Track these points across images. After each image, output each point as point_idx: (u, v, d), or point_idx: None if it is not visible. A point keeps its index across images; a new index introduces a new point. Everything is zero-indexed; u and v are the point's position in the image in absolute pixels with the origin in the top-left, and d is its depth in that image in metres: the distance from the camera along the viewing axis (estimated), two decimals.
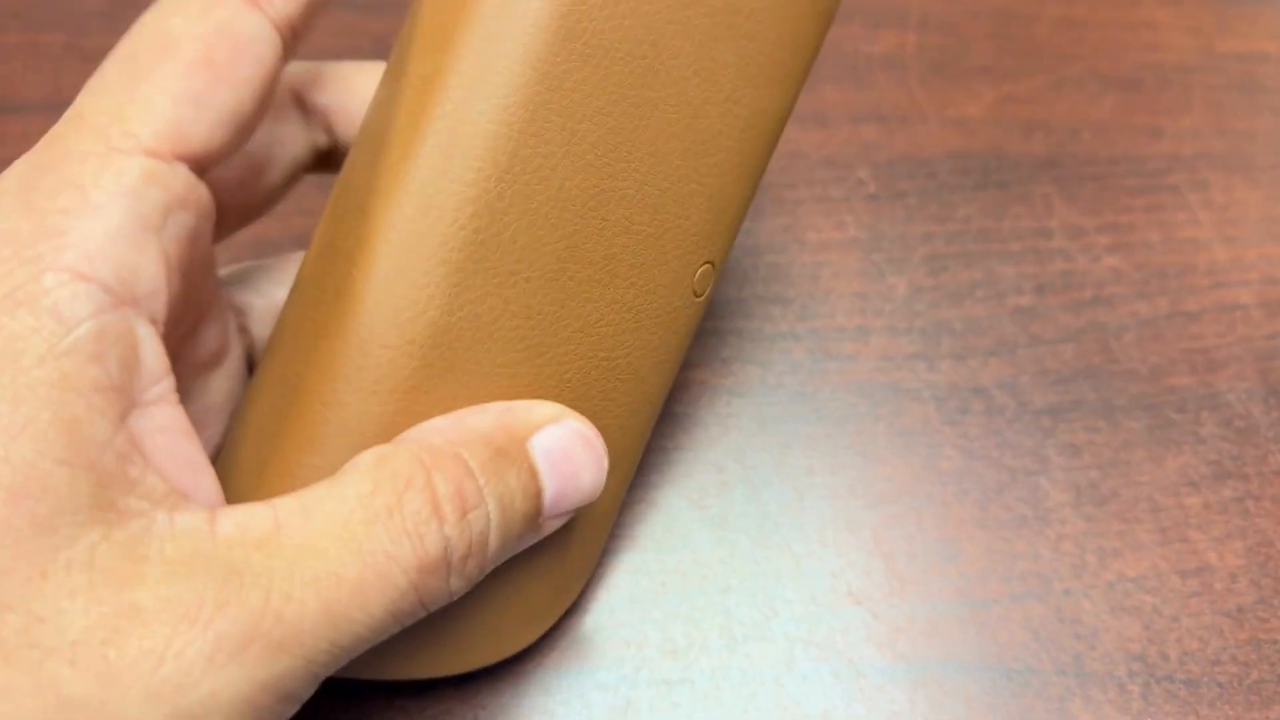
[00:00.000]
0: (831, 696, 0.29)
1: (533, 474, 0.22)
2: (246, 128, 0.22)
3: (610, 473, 0.25)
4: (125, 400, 0.19)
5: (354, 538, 0.19)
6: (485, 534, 0.21)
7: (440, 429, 0.22)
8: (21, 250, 0.18)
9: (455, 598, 0.21)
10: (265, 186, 0.27)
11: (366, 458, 0.21)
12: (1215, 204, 0.40)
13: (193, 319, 0.24)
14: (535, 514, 0.23)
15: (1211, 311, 0.37)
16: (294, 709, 0.19)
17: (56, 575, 0.17)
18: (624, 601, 0.30)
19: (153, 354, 0.20)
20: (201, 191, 0.21)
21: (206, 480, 0.21)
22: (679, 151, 0.24)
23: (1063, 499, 0.33)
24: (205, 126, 0.20)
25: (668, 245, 0.25)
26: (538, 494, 0.22)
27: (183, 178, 0.20)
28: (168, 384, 0.20)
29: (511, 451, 0.22)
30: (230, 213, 0.26)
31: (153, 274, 0.19)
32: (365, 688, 0.28)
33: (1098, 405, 0.35)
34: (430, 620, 0.23)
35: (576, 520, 0.25)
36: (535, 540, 0.24)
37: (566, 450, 0.23)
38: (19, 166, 0.19)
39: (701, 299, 0.26)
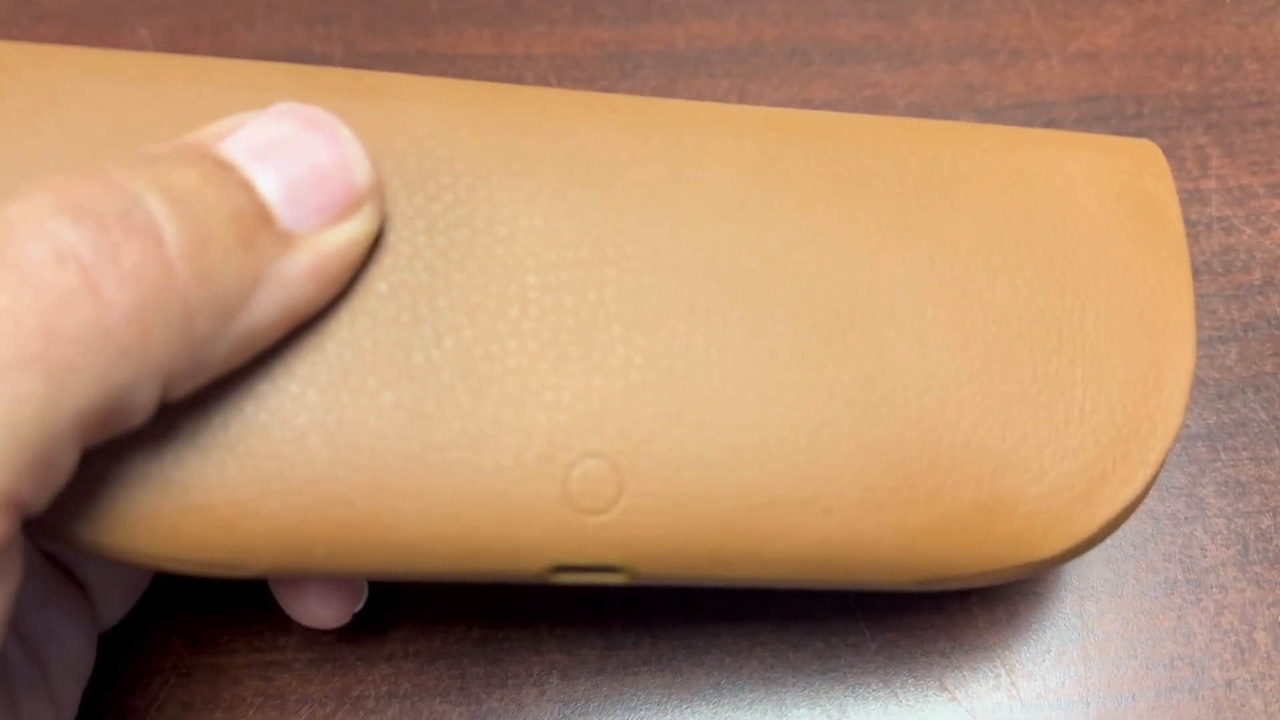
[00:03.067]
0: None
1: (224, 165, 0.17)
2: None
3: None
4: None
5: None
6: (144, 220, 0.16)
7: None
8: None
9: (150, 311, 0.16)
10: None
11: None
12: None
13: None
14: (255, 207, 0.17)
15: None
16: (38, 487, 0.15)
17: None
18: (648, 694, 0.24)
19: None
20: None
21: None
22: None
23: (1224, 556, 0.25)
24: None
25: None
26: (245, 184, 0.17)
27: None
28: None
29: (183, 154, 0.17)
30: None
31: None
32: None
33: (1270, 427, 0.27)
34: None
35: None
36: (323, 255, 0.18)
37: (278, 135, 0.18)
38: None
39: (596, 520, 0.18)
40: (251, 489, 0.18)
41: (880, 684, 0.24)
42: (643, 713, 0.24)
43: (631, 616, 0.25)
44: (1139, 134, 0.31)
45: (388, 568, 0.19)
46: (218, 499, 0.18)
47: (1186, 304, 0.20)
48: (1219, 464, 0.26)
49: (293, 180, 0.17)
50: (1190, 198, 0.30)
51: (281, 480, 0.18)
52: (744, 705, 0.24)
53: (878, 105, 0.32)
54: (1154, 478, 0.20)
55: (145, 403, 0.16)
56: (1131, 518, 0.25)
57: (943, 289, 0.20)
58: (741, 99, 0.32)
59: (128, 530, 0.18)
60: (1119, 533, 0.25)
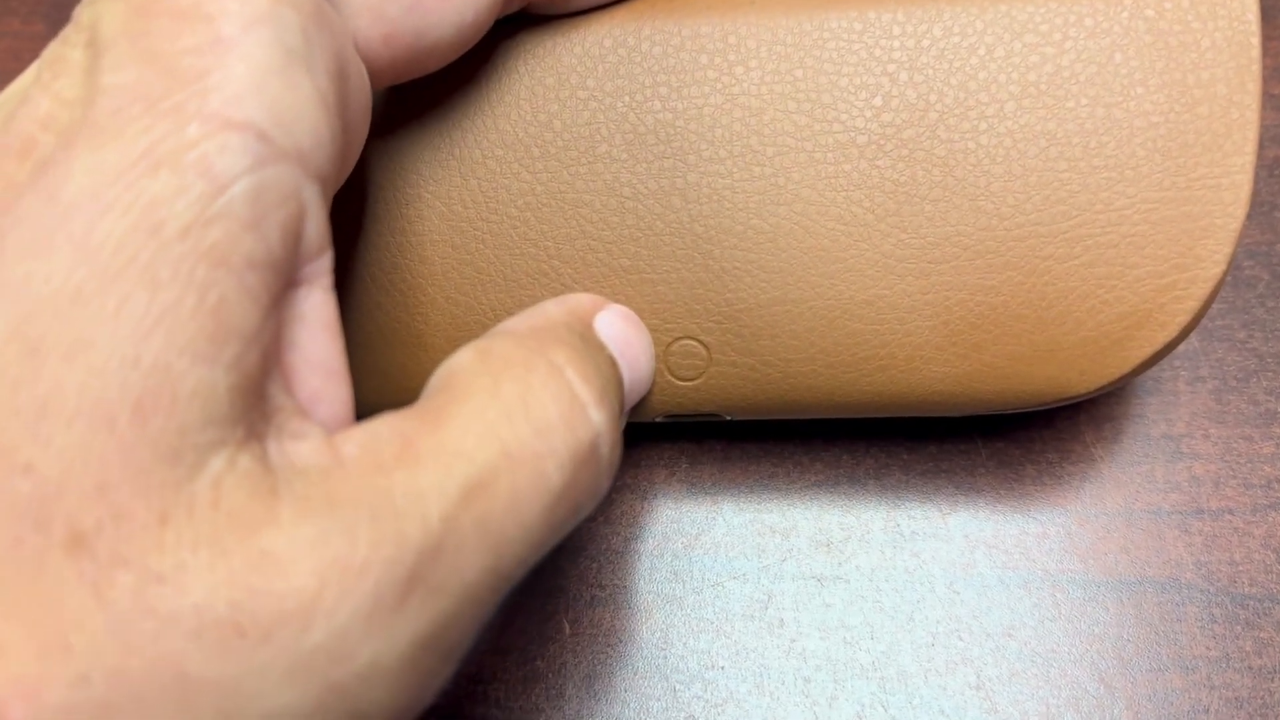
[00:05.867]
0: (1018, 611, 0.24)
1: (613, 362, 0.19)
2: None
3: None
4: (282, 279, 0.15)
5: (498, 438, 0.15)
6: (601, 458, 0.17)
7: (521, 320, 0.19)
8: (156, 103, 0.14)
9: (599, 501, 0.18)
10: (420, 49, 0.19)
11: (464, 356, 0.17)
12: None
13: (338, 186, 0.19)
14: (623, 406, 0.19)
15: None
16: (453, 670, 0.16)
17: (178, 520, 0.13)
18: (770, 481, 0.26)
19: (316, 222, 0.15)
20: (331, 9, 0.16)
21: (340, 390, 0.17)
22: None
23: None
24: None
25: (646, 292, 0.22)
26: (621, 382, 0.19)
27: None
28: (325, 262, 0.16)
29: (592, 338, 0.19)
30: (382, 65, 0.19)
31: (312, 118, 0.15)
32: None
33: None
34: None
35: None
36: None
37: (627, 334, 0.20)
38: (117, 8, 0.15)
39: (689, 385, 0.22)
40: None
41: (988, 487, 0.25)
42: (762, 498, 0.25)
43: None
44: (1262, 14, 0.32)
45: None
46: None
47: (1246, 157, 0.20)
48: None
49: (633, 383, 0.20)
50: None
51: None
52: (858, 497, 0.25)
53: None
54: (1193, 322, 0.21)
55: None
56: (1236, 354, 0.26)
57: (997, 154, 0.21)
58: None
59: None
60: (1224, 367, 0.26)
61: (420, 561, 0.14)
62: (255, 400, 0.14)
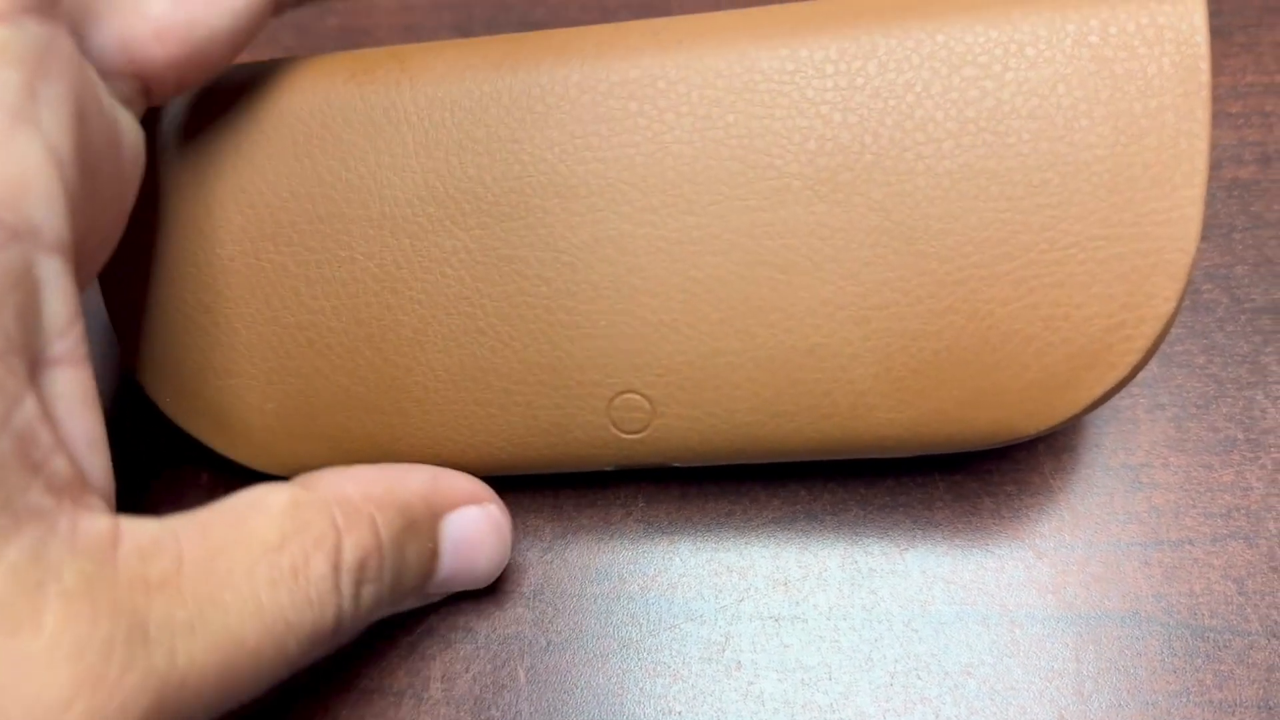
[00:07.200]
0: (977, 648, 0.24)
1: (434, 554, 0.21)
2: None
3: None
4: (25, 361, 0.14)
5: (256, 599, 0.17)
6: (374, 607, 0.20)
7: (364, 481, 0.20)
8: None
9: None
10: (196, 42, 0.18)
11: (280, 498, 0.18)
12: None
13: (113, 228, 0.18)
14: (422, 589, 0.22)
15: None
16: None
17: None
18: (727, 519, 0.25)
19: (59, 297, 0.15)
20: (66, 46, 0.15)
21: (100, 460, 0.17)
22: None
23: None
24: None
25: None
26: (432, 573, 0.22)
27: (34, 37, 0.15)
28: (75, 336, 0.15)
29: (423, 526, 0.21)
30: (157, 74, 0.18)
31: (43, 185, 0.14)
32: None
33: None
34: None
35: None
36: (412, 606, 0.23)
37: (475, 537, 0.22)
38: None
39: (634, 438, 0.22)
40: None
41: (945, 521, 0.25)
42: (720, 537, 0.25)
43: None
44: (1217, 32, 0.32)
45: (493, 469, 0.23)
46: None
47: (1196, 190, 0.20)
48: None
49: (455, 576, 0.22)
50: (1267, 90, 0.31)
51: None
52: (815, 534, 0.25)
53: None
54: (1142, 362, 0.20)
55: None
56: (1196, 380, 0.26)
57: (935, 195, 0.20)
58: None
59: None
60: (1183, 394, 0.26)
61: (163, 690, 0.15)
62: (18, 484, 0.14)
